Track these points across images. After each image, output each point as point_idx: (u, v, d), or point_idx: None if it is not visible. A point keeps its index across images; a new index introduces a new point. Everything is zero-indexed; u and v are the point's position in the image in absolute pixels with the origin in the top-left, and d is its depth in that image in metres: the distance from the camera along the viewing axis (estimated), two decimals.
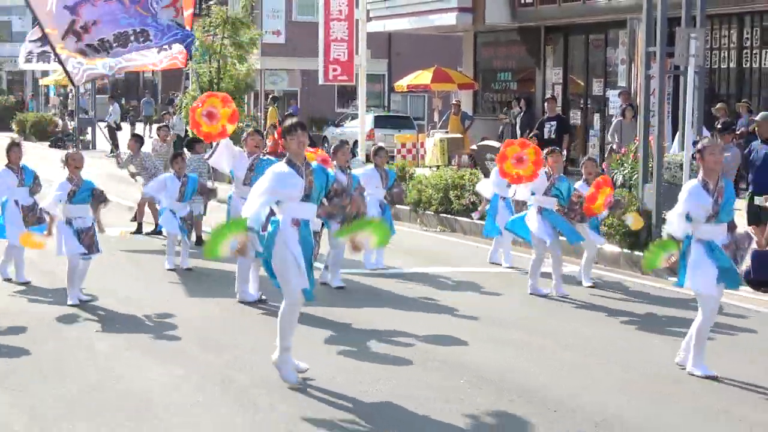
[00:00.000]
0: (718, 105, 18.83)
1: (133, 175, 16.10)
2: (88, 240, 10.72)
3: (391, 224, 13.03)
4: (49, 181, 11.91)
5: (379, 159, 13.04)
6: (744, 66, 20.66)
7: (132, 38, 11.94)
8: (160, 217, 13.54)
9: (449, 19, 26.41)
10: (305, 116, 39.49)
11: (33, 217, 11.65)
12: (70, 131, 37.17)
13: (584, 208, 11.56)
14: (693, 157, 10.17)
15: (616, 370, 8.53)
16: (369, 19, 23.16)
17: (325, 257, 11.91)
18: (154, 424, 7.01)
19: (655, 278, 12.71)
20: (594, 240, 12.21)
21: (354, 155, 20.45)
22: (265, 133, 18.14)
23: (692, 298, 8.84)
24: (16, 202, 11.66)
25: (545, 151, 11.95)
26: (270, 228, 7.79)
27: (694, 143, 10.57)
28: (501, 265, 13.44)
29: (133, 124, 41.92)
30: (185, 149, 16.07)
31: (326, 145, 29.89)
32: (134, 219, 16.31)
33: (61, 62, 12.45)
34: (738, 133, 17.06)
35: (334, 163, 11.94)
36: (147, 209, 15.99)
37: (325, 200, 7.92)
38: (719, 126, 14.20)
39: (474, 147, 23.73)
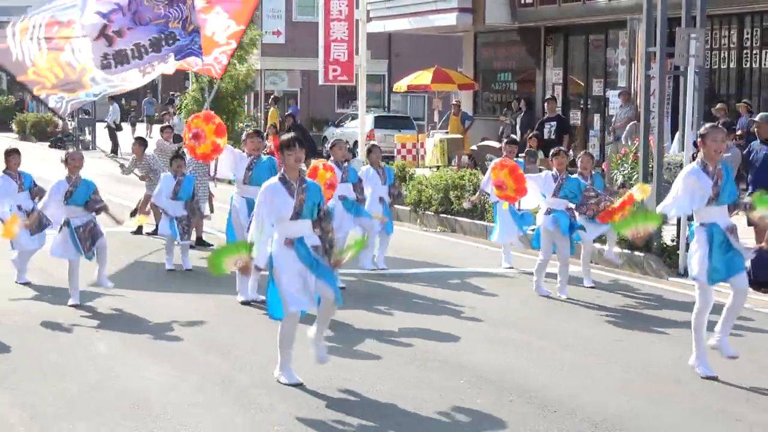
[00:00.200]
0: (718, 105, 18.83)
1: (141, 178, 16.09)
2: (86, 233, 10.72)
3: (390, 221, 13.09)
4: (49, 182, 11.91)
5: (374, 156, 13.18)
6: (744, 66, 20.67)
7: (163, 42, 11.90)
8: (159, 225, 13.65)
9: (449, 19, 26.41)
10: (305, 116, 39.51)
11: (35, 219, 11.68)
12: (70, 131, 37.17)
13: (605, 212, 11.42)
14: (694, 144, 10.17)
15: (616, 370, 8.53)
16: (369, 19, 23.13)
17: None
18: (154, 423, 7.01)
19: (656, 278, 12.72)
20: (601, 233, 12.31)
21: (354, 155, 20.45)
22: (265, 134, 18.13)
23: (693, 300, 8.83)
24: (19, 207, 11.72)
25: (551, 152, 11.94)
26: (272, 248, 7.82)
27: (695, 143, 10.57)
28: (501, 266, 13.44)
29: (134, 125, 41.87)
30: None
31: (326, 145, 29.87)
32: (133, 214, 16.38)
33: (41, 101, 12.49)
34: (738, 133, 17.06)
35: (332, 158, 12.09)
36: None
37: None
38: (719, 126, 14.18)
39: (474, 147, 23.75)
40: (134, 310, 10.56)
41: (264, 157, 11.16)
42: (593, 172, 12.29)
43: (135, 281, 12.29)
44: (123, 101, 47.23)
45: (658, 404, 7.57)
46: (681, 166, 13.99)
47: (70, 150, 11.60)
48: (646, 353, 9.07)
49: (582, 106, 25.12)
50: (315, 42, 22.33)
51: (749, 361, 8.87)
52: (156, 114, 42.65)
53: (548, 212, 11.52)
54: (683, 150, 14.01)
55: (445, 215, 17.25)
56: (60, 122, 41.58)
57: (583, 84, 25.02)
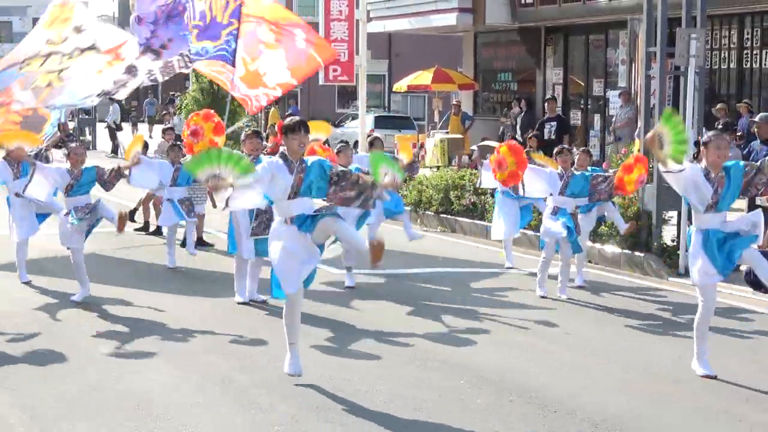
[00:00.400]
0: (719, 105, 18.82)
1: None
2: (84, 211, 10.79)
3: (399, 199, 13.00)
4: None
5: (377, 149, 13.04)
6: (744, 66, 20.67)
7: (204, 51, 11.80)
8: (159, 218, 13.68)
9: (449, 19, 26.42)
10: (306, 117, 39.49)
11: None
12: (71, 131, 37.13)
13: (618, 180, 11.27)
14: (696, 146, 10.14)
15: (616, 370, 8.53)
16: (369, 19, 23.10)
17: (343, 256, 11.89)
18: (154, 424, 7.00)
19: (656, 278, 12.72)
20: (618, 224, 12.43)
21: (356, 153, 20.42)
22: (265, 134, 18.11)
23: (693, 300, 8.84)
24: (17, 195, 11.78)
25: (555, 150, 11.92)
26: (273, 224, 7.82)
27: (695, 143, 10.56)
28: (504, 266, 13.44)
29: (135, 125, 41.85)
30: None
31: (326, 145, 29.83)
32: (133, 214, 16.42)
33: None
34: (738, 134, 17.06)
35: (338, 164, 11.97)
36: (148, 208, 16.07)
37: (330, 189, 7.73)
38: (719, 126, 14.20)
39: (474, 147, 23.74)
40: (134, 311, 10.57)
41: (263, 158, 11.14)
42: (590, 168, 12.27)
43: (135, 281, 12.28)
44: (123, 101, 47.19)
45: (659, 404, 7.57)
46: None
47: (72, 145, 11.64)
48: (646, 353, 9.07)
49: (582, 107, 25.13)
50: None
51: (750, 361, 8.88)
52: (156, 114, 42.64)
53: (555, 212, 11.50)
54: None
55: (445, 215, 17.25)
56: (60, 122, 41.58)
57: (583, 84, 25.03)
